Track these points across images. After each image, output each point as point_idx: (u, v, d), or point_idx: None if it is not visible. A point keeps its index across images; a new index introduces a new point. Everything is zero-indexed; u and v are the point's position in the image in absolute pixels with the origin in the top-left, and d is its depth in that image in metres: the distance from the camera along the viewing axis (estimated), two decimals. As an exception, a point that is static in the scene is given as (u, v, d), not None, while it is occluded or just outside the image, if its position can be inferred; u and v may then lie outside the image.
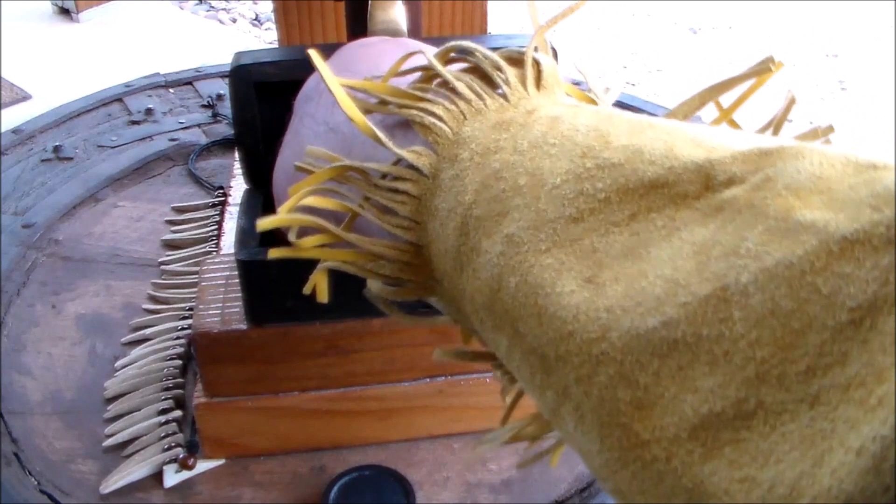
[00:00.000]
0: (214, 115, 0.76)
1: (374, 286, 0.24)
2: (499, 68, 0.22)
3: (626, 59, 2.69)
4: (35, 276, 0.56)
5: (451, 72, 0.23)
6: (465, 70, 0.23)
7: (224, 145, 0.71)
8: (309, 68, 0.35)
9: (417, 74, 0.24)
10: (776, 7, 3.04)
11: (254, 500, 0.41)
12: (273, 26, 2.71)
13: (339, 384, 0.41)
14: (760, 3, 3.06)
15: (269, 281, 0.36)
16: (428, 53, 0.24)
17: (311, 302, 0.38)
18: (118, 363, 0.48)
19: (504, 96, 0.22)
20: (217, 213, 0.60)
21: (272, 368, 0.40)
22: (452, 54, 0.24)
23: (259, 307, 0.38)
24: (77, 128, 0.75)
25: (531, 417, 0.23)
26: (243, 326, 0.38)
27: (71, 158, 0.69)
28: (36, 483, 0.42)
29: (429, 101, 0.22)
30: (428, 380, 0.42)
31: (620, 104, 0.80)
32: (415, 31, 0.48)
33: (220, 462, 0.43)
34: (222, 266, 0.42)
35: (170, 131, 0.73)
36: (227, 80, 0.79)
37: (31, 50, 2.42)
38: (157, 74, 0.83)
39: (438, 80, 0.23)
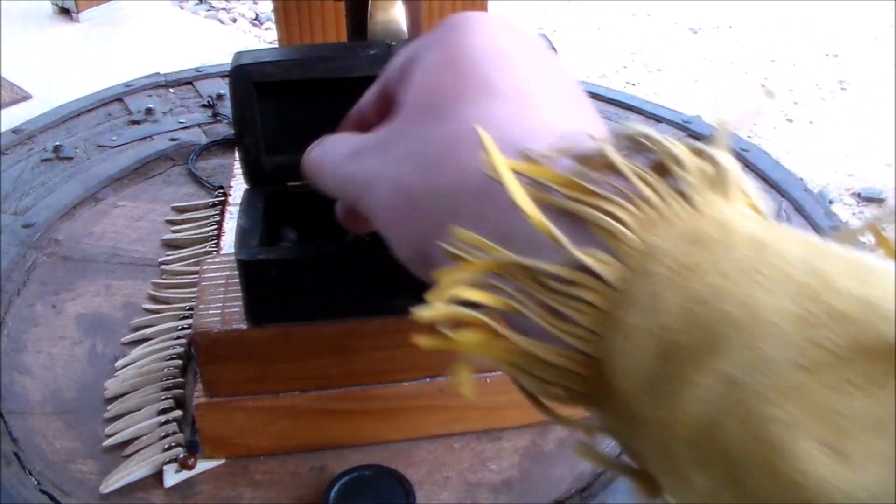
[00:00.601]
0: (214, 114, 0.76)
1: (528, 385, 0.22)
2: (680, 164, 0.20)
3: (625, 59, 2.69)
4: (35, 276, 0.56)
5: (629, 166, 0.20)
6: (636, 149, 0.21)
7: (224, 145, 0.71)
8: (309, 68, 0.35)
9: (572, 150, 0.22)
10: (776, 7, 3.04)
11: (254, 500, 0.41)
12: (273, 26, 2.71)
13: (339, 384, 0.41)
14: (760, 3, 3.06)
15: (269, 281, 0.37)
16: (595, 132, 0.22)
17: (311, 302, 0.38)
18: (118, 363, 0.48)
19: (688, 200, 0.20)
20: (217, 213, 0.60)
21: (272, 368, 0.40)
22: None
23: (259, 307, 0.38)
24: (77, 128, 0.75)
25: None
26: (243, 326, 0.38)
27: (71, 158, 0.69)
28: (36, 483, 0.42)
29: (607, 199, 0.20)
30: (428, 380, 0.42)
31: (620, 104, 0.80)
32: (415, 32, 0.48)
33: (220, 462, 0.43)
34: (222, 266, 0.42)
35: (170, 131, 0.73)
36: (227, 80, 0.79)
37: (31, 50, 2.42)
38: (157, 74, 0.83)
39: (605, 168, 0.21)
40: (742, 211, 0.20)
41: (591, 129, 0.22)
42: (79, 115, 0.76)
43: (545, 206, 0.21)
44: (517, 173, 0.21)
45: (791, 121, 2.33)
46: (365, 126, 0.30)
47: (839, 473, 0.15)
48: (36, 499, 0.41)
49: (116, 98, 0.79)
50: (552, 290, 0.20)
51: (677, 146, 0.21)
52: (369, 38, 0.48)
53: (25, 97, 2.16)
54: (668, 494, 0.20)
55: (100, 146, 0.71)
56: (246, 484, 0.42)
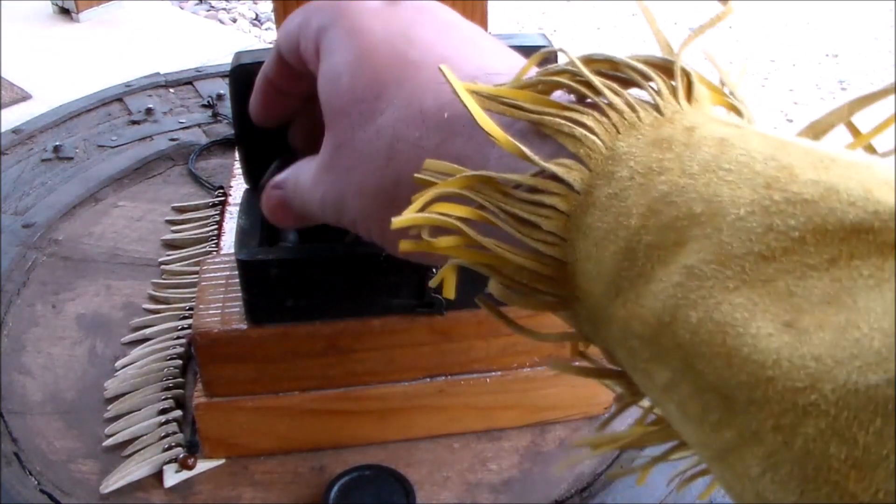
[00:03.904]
0: (214, 114, 0.76)
1: (496, 289, 0.23)
2: (647, 77, 0.21)
3: (626, 59, 2.69)
4: (35, 276, 0.56)
5: (597, 77, 0.21)
6: (605, 77, 0.22)
7: (224, 145, 0.71)
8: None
9: (535, 76, 0.23)
10: (776, 7, 3.04)
11: (254, 500, 0.41)
12: (273, 26, 2.71)
13: (339, 384, 0.41)
14: (760, 3, 3.06)
15: (269, 281, 0.37)
16: (563, 55, 0.23)
17: (311, 302, 0.38)
18: (118, 363, 0.48)
19: (657, 109, 0.20)
20: (217, 212, 0.60)
21: (272, 368, 0.40)
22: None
23: (259, 307, 0.38)
24: (77, 128, 0.75)
25: (641, 430, 0.23)
26: (243, 326, 0.38)
27: (71, 158, 0.69)
28: (36, 483, 0.42)
29: (576, 110, 0.21)
30: (428, 380, 0.42)
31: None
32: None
33: (220, 462, 0.43)
34: (222, 266, 0.42)
35: (170, 131, 0.73)
36: (227, 80, 0.79)
37: (31, 50, 2.42)
38: (157, 74, 0.83)
39: (567, 87, 0.22)
40: (711, 115, 0.20)
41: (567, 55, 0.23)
42: (79, 115, 0.76)
43: (509, 127, 0.22)
44: (478, 94, 0.22)
45: (791, 121, 2.33)
46: (277, 91, 0.33)
47: (792, 345, 0.15)
48: (36, 499, 0.41)
49: (116, 98, 0.79)
50: (519, 199, 0.21)
51: (638, 62, 0.22)
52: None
53: (25, 97, 2.16)
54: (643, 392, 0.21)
55: (100, 146, 0.71)
56: (246, 484, 0.42)
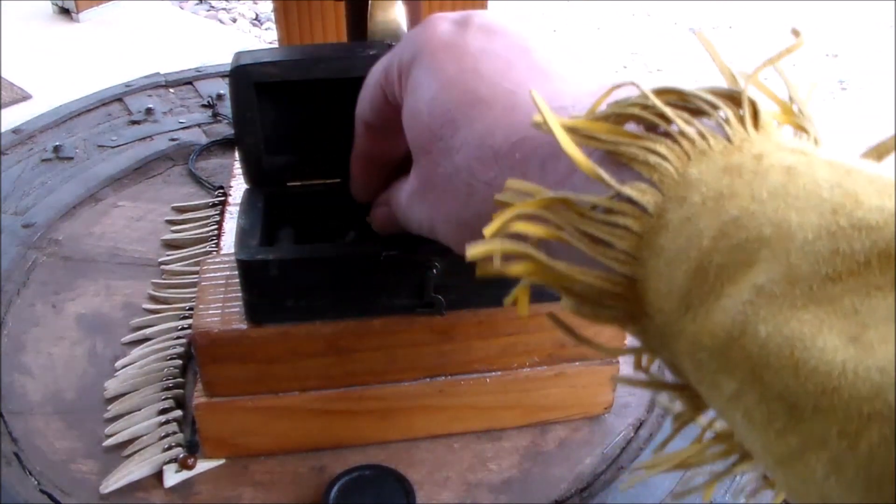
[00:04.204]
0: (214, 114, 0.76)
1: (568, 305, 0.24)
2: (716, 107, 0.22)
3: (626, 59, 2.69)
4: (35, 276, 0.56)
5: (669, 107, 0.22)
6: (676, 108, 0.22)
7: (224, 145, 0.71)
8: (309, 68, 0.36)
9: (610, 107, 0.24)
10: (776, 7, 3.04)
11: (254, 500, 0.41)
12: (273, 26, 2.71)
13: (339, 384, 0.41)
14: (760, 3, 3.06)
15: (269, 281, 0.37)
16: (632, 85, 0.24)
17: (311, 302, 0.38)
18: (118, 363, 0.48)
19: (726, 137, 0.21)
20: (217, 212, 0.60)
21: (272, 368, 0.40)
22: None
23: (259, 307, 0.38)
24: (77, 128, 0.75)
25: (696, 448, 0.24)
26: (243, 326, 0.38)
27: (71, 158, 0.69)
28: (36, 483, 0.42)
29: (649, 139, 0.22)
30: (428, 380, 0.42)
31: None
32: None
33: (220, 462, 0.43)
34: (222, 266, 0.42)
35: (170, 131, 0.73)
36: (227, 80, 0.79)
37: (31, 50, 2.42)
38: (157, 74, 0.83)
39: (639, 118, 0.23)
40: (778, 142, 0.21)
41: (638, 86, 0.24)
42: (79, 115, 0.76)
43: (591, 155, 0.23)
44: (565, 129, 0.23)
45: (791, 121, 2.33)
46: (375, 133, 0.34)
47: (857, 357, 0.16)
48: (36, 499, 0.41)
49: (116, 98, 0.79)
50: (594, 219, 0.22)
51: (707, 92, 0.23)
52: (369, 38, 0.48)
53: (25, 97, 2.16)
54: (707, 404, 0.22)
55: (100, 146, 0.71)
56: (246, 484, 0.42)
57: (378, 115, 0.33)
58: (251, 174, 0.41)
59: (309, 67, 0.39)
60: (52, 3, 2.65)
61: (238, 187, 0.53)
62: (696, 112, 0.22)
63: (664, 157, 0.21)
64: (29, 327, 0.52)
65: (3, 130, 0.73)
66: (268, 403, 0.41)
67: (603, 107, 0.24)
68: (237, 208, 0.40)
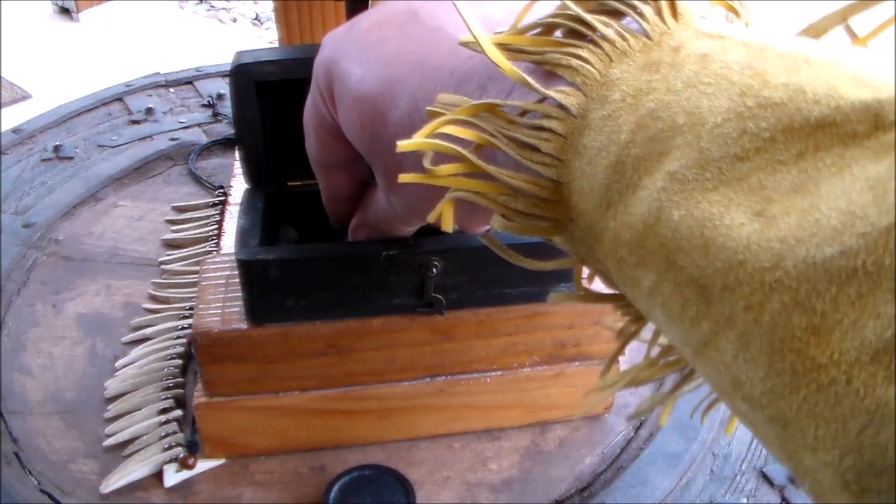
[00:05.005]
0: (215, 114, 0.76)
1: (497, 222, 0.24)
2: (632, 6, 0.22)
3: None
4: (35, 276, 0.56)
5: (590, 13, 0.23)
6: (595, 10, 0.23)
7: (224, 145, 0.71)
8: (310, 68, 0.36)
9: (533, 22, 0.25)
10: (776, 7, 3.04)
11: (254, 500, 0.41)
12: (273, 26, 2.71)
13: (339, 384, 0.41)
14: (760, 3, 3.05)
15: (269, 281, 0.37)
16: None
17: (311, 302, 0.38)
18: (118, 363, 0.48)
19: (645, 34, 0.22)
20: (217, 212, 0.60)
21: (272, 368, 0.40)
22: None
23: (259, 307, 0.38)
24: (77, 127, 0.75)
25: (646, 363, 0.25)
26: (243, 326, 0.38)
27: (71, 158, 0.69)
28: (36, 483, 0.42)
29: (572, 44, 0.22)
30: (428, 380, 0.42)
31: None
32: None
33: (221, 462, 0.43)
34: (222, 266, 0.42)
35: (170, 131, 0.73)
36: (227, 80, 0.79)
37: (31, 50, 2.42)
38: (158, 74, 0.83)
39: (562, 26, 0.23)
40: (697, 29, 0.22)
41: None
42: (79, 114, 0.77)
43: (520, 67, 0.23)
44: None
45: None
46: (334, 172, 0.36)
47: (759, 230, 0.17)
48: (36, 499, 0.41)
49: (116, 98, 0.79)
50: (521, 124, 0.23)
51: None
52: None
53: (25, 97, 2.16)
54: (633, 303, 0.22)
55: (100, 146, 0.71)
56: (246, 484, 0.42)
57: (330, 153, 0.34)
58: (251, 174, 0.41)
59: (309, 67, 0.38)
60: (52, 3, 2.66)
61: (238, 187, 0.53)
62: (617, 14, 0.23)
63: (586, 61, 0.22)
64: (29, 327, 0.52)
65: (3, 130, 0.73)
66: (268, 403, 0.41)
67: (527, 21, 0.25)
68: (237, 208, 0.40)
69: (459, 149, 0.23)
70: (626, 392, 0.48)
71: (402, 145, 0.23)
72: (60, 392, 0.47)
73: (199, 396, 0.40)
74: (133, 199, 0.65)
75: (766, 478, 0.43)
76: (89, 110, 0.77)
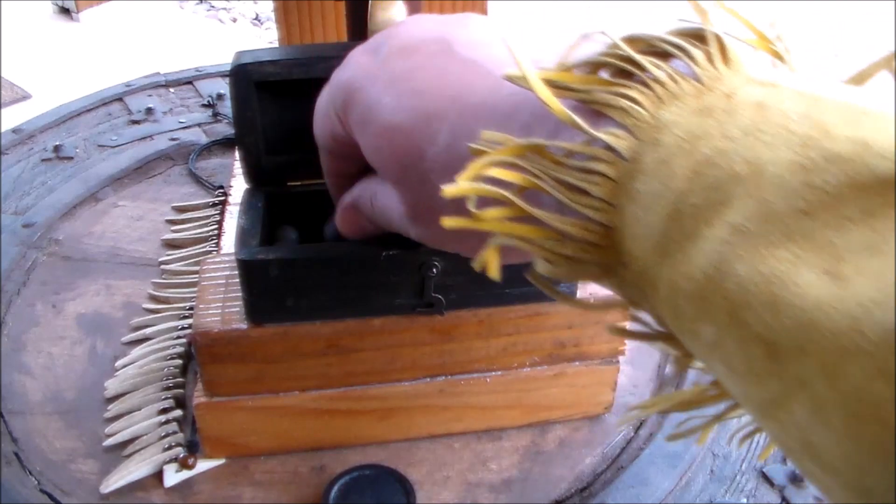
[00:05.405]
0: (215, 114, 0.76)
1: (541, 266, 0.23)
2: (683, 49, 0.22)
3: (626, 59, 2.69)
4: (35, 276, 0.56)
5: (640, 54, 0.22)
6: (644, 51, 0.23)
7: (224, 145, 0.71)
8: (310, 67, 0.36)
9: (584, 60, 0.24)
10: (776, 7, 3.04)
11: (254, 500, 0.41)
12: (273, 26, 2.71)
13: (339, 384, 0.41)
14: (761, 3, 3.06)
15: (269, 280, 0.36)
16: (601, 38, 0.24)
17: (311, 302, 0.38)
18: (118, 363, 0.48)
19: (696, 78, 0.21)
20: (217, 212, 0.60)
21: (272, 368, 0.40)
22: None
23: (259, 307, 0.38)
24: (77, 127, 0.75)
25: (697, 391, 0.24)
26: (243, 326, 0.38)
27: (71, 158, 0.69)
28: (36, 483, 0.42)
29: (622, 85, 0.22)
30: (428, 380, 0.42)
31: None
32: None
33: (221, 462, 0.43)
34: (222, 266, 0.42)
35: (170, 131, 0.73)
36: (227, 80, 0.79)
37: (31, 50, 2.42)
38: (158, 74, 0.83)
39: (610, 66, 0.23)
40: (748, 76, 0.21)
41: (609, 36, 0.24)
42: (79, 114, 0.77)
43: (566, 104, 0.23)
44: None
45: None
46: (336, 156, 0.34)
47: (834, 292, 0.16)
48: (36, 499, 0.41)
49: (116, 98, 0.79)
50: (569, 166, 0.22)
51: (676, 33, 0.23)
52: (369, 37, 0.48)
53: (25, 97, 2.16)
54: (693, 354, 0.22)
55: (100, 146, 0.71)
56: (246, 484, 0.42)
57: (335, 143, 0.33)
58: (251, 174, 0.41)
59: (309, 66, 0.39)
60: (52, 3, 2.66)
61: (238, 187, 0.53)
62: (666, 56, 0.22)
63: (637, 102, 0.21)
64: (29, 327, 0.52)
65: (3, 130, 0.73)
66: (268, 403, 0.41)
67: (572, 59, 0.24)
68: (237, 208, 0.40)
69: (507, 193, 0.22)
70: (627, 392, 0.48)
71: (448, 191, 0.22)
72: (60, 392, 0.47)
73: (199, 396, 0.40)
74: (133, 199, 0.65)
75: (766, 478, 0.43)
76: (89, 110, 0.77)
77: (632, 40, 0.23)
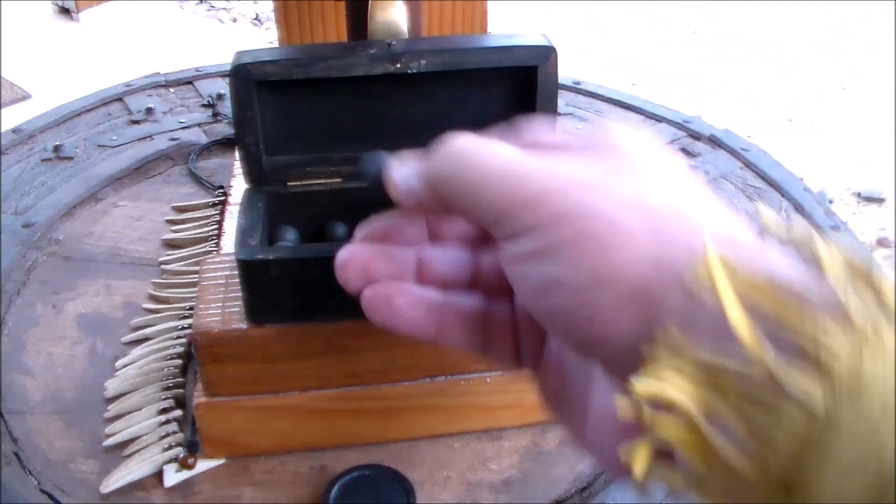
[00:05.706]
0: (215, 114, 0.76)
1: (689, 479, 0.21)
2: (877, 287, 0.20)
3: (626, 59, 2.69)
4: (35, 276, 0.56)
5: (843, 282, 0.20)
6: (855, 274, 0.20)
7: (224, 145, 0.71)
8: (310, 67, 0.35)
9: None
10: (777, 7, 3.04)
11: (254, 500, 0.41)
12: (273, 26, 2.71)
13: (339, 384, 0.41)
14: (761, 3, 3.06)
15: (269, 281, 0.36)
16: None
17: (311, 302, 0.38)
18: (118, 363, 0.48)
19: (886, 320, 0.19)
20: (217, 212, 0.60)
21: (272, 368, 0.40)
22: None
23: (259, 307, 0.38)
24: (77, 127, 0.75)
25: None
26: (243, 326, 0.38)
27: (71, 158, 0.69)
28: (36, 483, 0.42)
29: (818, 321, 0.19)
30: (428, 380, 0.42)
31: (620, 104, 0.80)
32: (415, 31, 0.48)
33: (221, 462, 0.43)
34: (222, 266, 0.42)
35: (170, 131, 0.73)
36: (227, 80, 0.79)
37: (31, 50, 2.42)
38: (158, 74, 0.83)
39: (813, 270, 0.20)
40: None
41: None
42: (79, 114, 0.77)
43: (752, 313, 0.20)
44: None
45: (791, 120, 2.33)
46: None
47: None
48: (36, 499, 0.41)
49: (116, 98, 0.79)
50: (754, 401, 0.20)
51: (866, 264, 0.20)
52: (369, 37, 0.48)
53: (25, 97, 2.16)
54: None
55: (100, 146, 0.71)
56: (246, 484, 0.42)
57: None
58: (251, 174, 0.41)
59: (309, 66, 0.39)
60: (52, 3, 2.66)
61: (238, 187, 0.53)
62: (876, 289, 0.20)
63: (836, 351, 0.19)
64: (29, 327, 0.52)
65: (3, 130, 0.73)
66: (268, 403, 0.41)
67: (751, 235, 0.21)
68: (237, 208, 0.40)
69: (692, 411, 0.20)
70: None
71: (633, 386, 0.20)
72: (60, 392, 0.47)
73: (199, 396, 0.40)
74: (133, 199, 0.65)
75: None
76: (89, 110, 0.77)
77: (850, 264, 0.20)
